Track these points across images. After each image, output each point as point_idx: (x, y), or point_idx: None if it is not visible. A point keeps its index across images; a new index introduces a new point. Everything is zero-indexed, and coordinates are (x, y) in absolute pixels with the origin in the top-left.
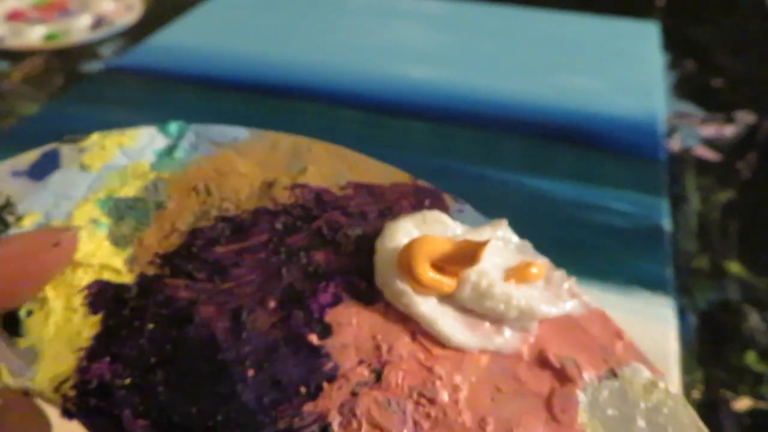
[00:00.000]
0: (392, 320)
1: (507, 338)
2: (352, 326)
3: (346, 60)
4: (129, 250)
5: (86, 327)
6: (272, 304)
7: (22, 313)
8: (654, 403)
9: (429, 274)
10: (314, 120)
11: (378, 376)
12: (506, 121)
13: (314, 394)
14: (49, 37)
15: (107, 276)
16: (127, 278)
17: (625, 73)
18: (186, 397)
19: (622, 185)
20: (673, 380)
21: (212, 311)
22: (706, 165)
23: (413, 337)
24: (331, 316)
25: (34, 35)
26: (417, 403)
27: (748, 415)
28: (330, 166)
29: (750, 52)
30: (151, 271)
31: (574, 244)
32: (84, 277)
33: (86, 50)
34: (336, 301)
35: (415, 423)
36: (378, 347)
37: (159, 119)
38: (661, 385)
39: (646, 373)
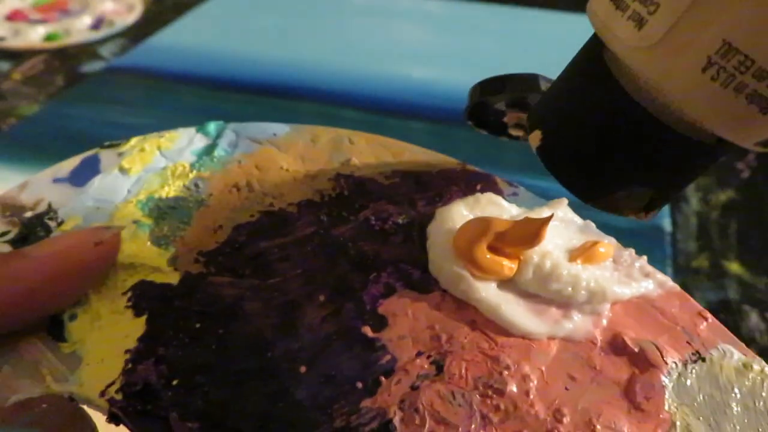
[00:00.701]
0: (450, 309)
1: (577, 323)
2: (407, 317)
3: (346, 60)
4: (171, 250)
5: (131, 329)
6: (322, 297)
7: (66, 317)
8: (749, 387)
9: (487, 257)
10: (314, 120)
11: (439, 367)
12: None
13: (372, 389)
14: (50, 37)
15: (151, 277)
16: (171, 278)
17: None
18: (235, 397)
19: None
20: None
21: (259, 307)
22: None
23: (473, 326)
24: (384, 307)
25: (34, 35)
26: (484, 395)
27: None
28: (374, 156)
29: None
30: (194, 269)
31: None
32: (128, 279)
33: (86, 50)
34: (389, 292)
35: (483, 416)
36: (437, 337)
37: (159, 119)
38: (756, 366)
39: (738, 355)
